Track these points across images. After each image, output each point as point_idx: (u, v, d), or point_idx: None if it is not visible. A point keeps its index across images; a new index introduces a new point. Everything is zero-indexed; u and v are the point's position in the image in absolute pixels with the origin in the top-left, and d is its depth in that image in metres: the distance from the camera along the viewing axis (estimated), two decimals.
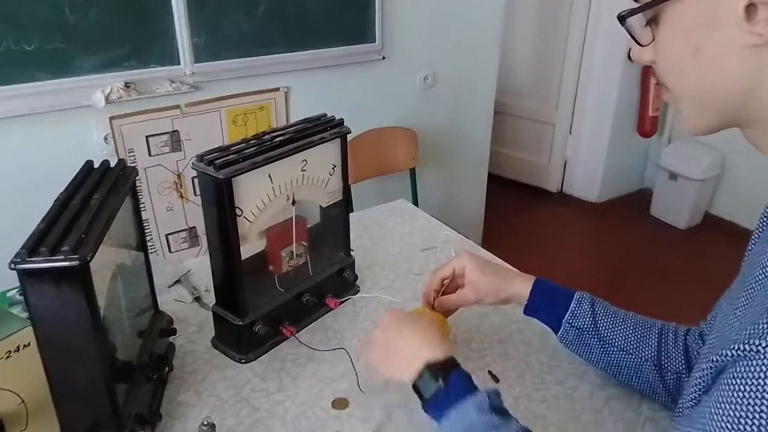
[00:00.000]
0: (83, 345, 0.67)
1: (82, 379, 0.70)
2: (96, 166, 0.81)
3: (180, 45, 1.93)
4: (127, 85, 1.91)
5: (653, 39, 0.56)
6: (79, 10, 1.75)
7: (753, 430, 0.43)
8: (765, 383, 0.43)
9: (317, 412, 0.84)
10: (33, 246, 0.62)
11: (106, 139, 1.94)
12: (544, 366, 0.92)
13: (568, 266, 3.05)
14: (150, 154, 2.04)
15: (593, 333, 0.85)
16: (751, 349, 0.45)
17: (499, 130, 3.39)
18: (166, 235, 2.18)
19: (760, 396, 0.43)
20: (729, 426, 0.45)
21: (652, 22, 0.54)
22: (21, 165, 1.83)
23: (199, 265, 1.17)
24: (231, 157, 0.83)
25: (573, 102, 3.50)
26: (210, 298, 1.05)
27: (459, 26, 2.53)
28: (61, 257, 0.61)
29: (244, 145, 0.87)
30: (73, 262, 0.61)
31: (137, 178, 0.85)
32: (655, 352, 0.81)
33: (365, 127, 2.38)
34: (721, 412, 0.46)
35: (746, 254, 0.69)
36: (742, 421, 0.44)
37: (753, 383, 0.44)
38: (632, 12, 0.55)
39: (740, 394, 0.45)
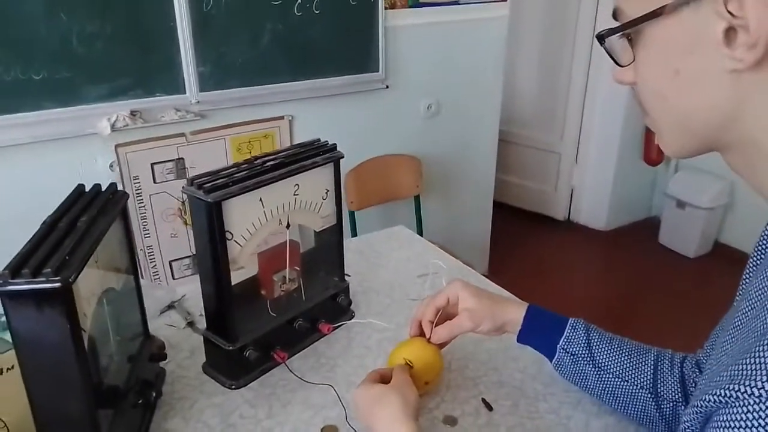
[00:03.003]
0: (66, 368, 0.67)
1: (65, 402, 0.69)
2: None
3: (186, 74, 1.96)
4: (133, 113, 1.94)
5: (633, 59, 0.54)
6: (87, 41, 1.78)
7: None
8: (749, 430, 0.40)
9: None
10: (16, 268, 0.62)
11: (111, 166, 1.97)
12: (539, 394, 0.90)
13: (576, 294, 3.02)
14: (155, 182, 2.06)
15: (588, 359, 0.83)
16: (730, 395, 0.43)
17: (505, 159, 3.40)
18: (170, 262, 2.18)
19: None
20: None
21: (633, 42, 0.53)
22: (26, 192, 1.85)
23: (195, 290, 1.16)
24: (221, 180, 0.83)
25: (578, 130, 3.50)
26: (202, 324, 1.05)
27: (462, 55, 2.56)
28: (43, 279, 0.61)
29: (235, 169, 0.87)
30: (55, 284, 0.61)
31: (133, 200, 0.85)
32: (651, 380, 0.79)
33: (369, 154, 2.39)
34: None
35: (741, 284, 0.67)
36: None
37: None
38: (612, 32, 0.54)
39: None
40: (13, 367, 0.69)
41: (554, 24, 3.40)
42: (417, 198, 2.52)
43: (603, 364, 0.82)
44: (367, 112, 2.41)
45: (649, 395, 0.79)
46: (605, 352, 0.83)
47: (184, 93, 1.99)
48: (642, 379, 0.80)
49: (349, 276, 1.12)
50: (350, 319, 1.08)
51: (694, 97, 0.50)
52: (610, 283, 3.14)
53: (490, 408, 0.88)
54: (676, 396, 0.78)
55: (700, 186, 3.18)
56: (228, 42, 2.01)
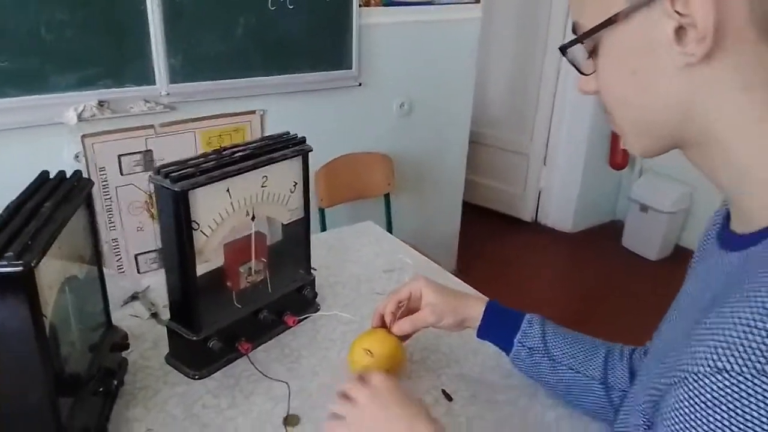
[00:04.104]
0: (26, 354, 0.66)
1: (24, 389, 0.69)
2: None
3: (156, 65, 1.95)
4: (101, 103, 1.91)
5: (595, 69, 0.57)
6: (56, 29, 1.75)
7: None
8: (697, 409, 0.43)
9: (268, 428, 0.83)
10: None
11: (77, 157, 1.93)
12: (498, 386, 0.93)
13: (541, 294, 3.07)
14: (122, 173, 2.03)
15: (543, 352, 0.86)
16: (678, 376, 0.45)
17: (475, 160, 3.44)
18: (136, 255, 2.16)
19: (694, 420, 0.43)
20: None
21: (593, 52, 0.56)
22: None
23: (160, 282, 1.16)
24: (188, 170, 0.84)
25: (547, 133, 3.57)
26: (166, 316, 1.05)
27: (434, 55, 2.59)
28: (5, 263, 0.61)
29: (202, 159, 0.88)
30: (17, 268, 0.61)
31: (98, 192, 0.85)
32: (602, 371, 0.83)
33: (341, 151, 2.40)
34: None
35: (688, 270, 0.71)
36: None
37: (687, 410, 0.44)
38: (571, 43, 0.56)
39: (678, 421, 0.44)
40: None
41: (526, 27, 3.46)
42: (387, 196, 2.54)
43: (557, 357, 0.85)
44: (339, 109, 2.42)
45: (600, 386, 0.83)
46: (559, 346, 0.86)
47: (154, 84, 1.98)
48: (593, 371, 0.83)
49: (315, 270, 1.13)
50: (315, 312, 1.09)
51: (653, 97, 0.53)
52: (574, 284, 3.21)
53: (449, 398, 0.90)
54: (625, 386, 0.81)
55: (662, 191, 3.27)
56: (200, 34, 2.00)
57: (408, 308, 0.92)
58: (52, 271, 0.72)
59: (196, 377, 0.92)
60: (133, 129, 2.02)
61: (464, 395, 0.91)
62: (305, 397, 0.89)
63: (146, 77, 1.96)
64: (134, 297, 1.10)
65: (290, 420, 0.85)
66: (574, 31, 0.57)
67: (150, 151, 2.08)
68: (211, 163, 0.87)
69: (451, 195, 2.97)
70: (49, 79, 1.80)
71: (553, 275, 3.39)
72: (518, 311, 0.90)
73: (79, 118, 1.88)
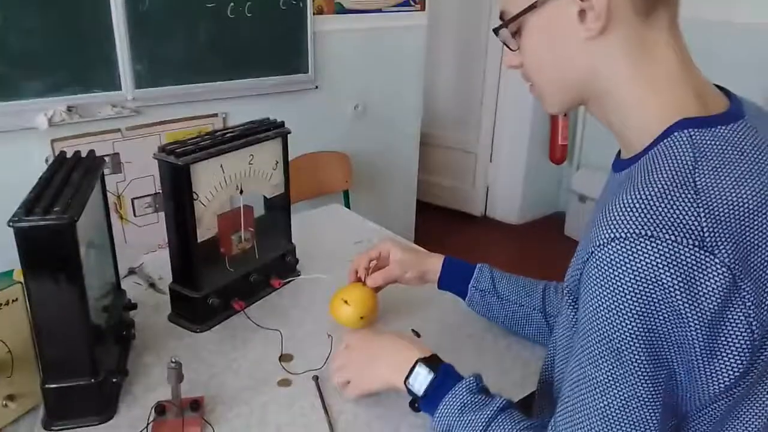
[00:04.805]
0: (68, 297, 0.79)
1: (64, 329, 0.80)
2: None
3: (122, 71, 2.05)
4: (69, 108, 2.00)
5: (518, 47, 0.74)
6: (24, 36, 1.84)
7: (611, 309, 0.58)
8: (602, 271, 0.58)
9: (267, 365, 0.97)
10: (29, 208, 0.74)
11: (47, 160, 2.01)
12: (457, 325, 1.10)
13: None
14: None
15: (493, 293, 1.04)
16: (588, 252, 0.61)
17: (427, 160, 3.64)
18: None
19: (602, 278, 0.58)
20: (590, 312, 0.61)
21: (517, 33, 0.73)
22: None
23: (152, 259, 1.28)
24: (188, 147, 0.97)
25: (492, 133, 3.80)
26: (162, 286, 1.17)
27: (385, 60, 2.77)
28: (54, 217, 0.74)
29: (199, 138, 1.01)
30: (64, 221, 0.74)
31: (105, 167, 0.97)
32: (541, 302, 1.01)
33: (300, 151, 2.54)
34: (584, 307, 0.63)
35: None
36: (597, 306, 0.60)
37: (595, 273, 0.60)
38: (500, 27, 0.74)
39: (591, 283, 0.60)
40: (17, 299, 0.80)
41: (468, 34, 3.69)
42: (346, 193, 2.68)
43: (504, 295, 1.04)
44: (297, 111, 2.56)
45: (540, 314, 1.01)
46: (506, 286, 1.04)
47: (120, 90, 2.08)
48: (534, 302, 1.02)
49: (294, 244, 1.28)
50: (297, 276, 1.24)
51: (565, 64, 0.70)
52: (522, 272, 3.39)
53: (418, 335, 1.06)
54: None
55: (598, 181, 3.48)
56: (163, 41, 2.11)
57: (378, 266, 1.09)
58: (82, 231, 0.84)
59: (198, 330, 1.05)
60: (100, 133, 2.11)
61: (430, 333, 1.07)
62: (295, 340, 1.04)
63: (113, 83, 2.06)
64: (131, 271, 1.22)
65: (285, 358, 0.99)
66: (501, 17, 0.74)
67: (117, 154, 2.18)
68: (207, 142, 1.01)
69: (406, 193, 3.15)
70: (20, 85, 1.88)
71: (503, 264, 3.52)
72: (470, 264, 1.08)
73: (50, 123, 1.96)
